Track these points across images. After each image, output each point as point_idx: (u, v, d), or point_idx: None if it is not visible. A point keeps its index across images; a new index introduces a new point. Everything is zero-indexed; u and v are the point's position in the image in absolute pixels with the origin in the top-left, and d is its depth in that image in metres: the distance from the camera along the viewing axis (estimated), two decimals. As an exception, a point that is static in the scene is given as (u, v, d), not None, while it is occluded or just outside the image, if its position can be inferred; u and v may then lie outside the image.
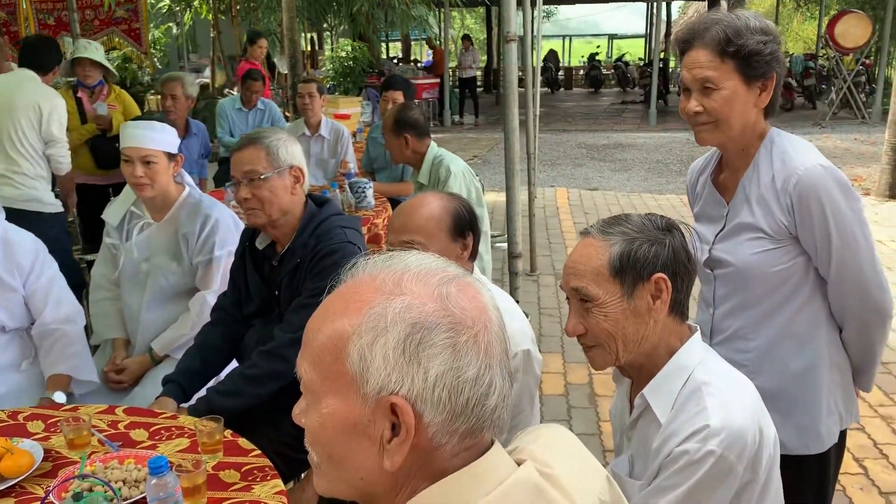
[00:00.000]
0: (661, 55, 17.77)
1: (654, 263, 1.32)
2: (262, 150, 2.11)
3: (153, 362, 2.61)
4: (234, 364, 2.31)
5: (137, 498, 1.52)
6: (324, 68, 14.41)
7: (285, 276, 2.17)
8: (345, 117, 9.31)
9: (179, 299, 2.66)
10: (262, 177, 2.08)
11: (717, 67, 1.58)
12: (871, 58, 15.37)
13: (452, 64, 18.45)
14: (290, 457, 2.05)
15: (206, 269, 2.60)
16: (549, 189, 8.71)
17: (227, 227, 2.64)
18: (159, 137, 2.55)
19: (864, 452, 3.24)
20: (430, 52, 20.36)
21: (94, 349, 2.79)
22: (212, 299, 2.58)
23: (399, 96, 4.59)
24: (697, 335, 1.38)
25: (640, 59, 25.48)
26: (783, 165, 1.62)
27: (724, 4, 15.20)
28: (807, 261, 1.63)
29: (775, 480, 1.34)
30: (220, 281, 2.61)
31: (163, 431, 1.85)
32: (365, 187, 4.11)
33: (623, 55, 24.63)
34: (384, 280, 0.80)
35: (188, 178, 2.73)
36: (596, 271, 1.31)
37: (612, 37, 36.09)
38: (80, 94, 4.66)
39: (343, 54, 13.94)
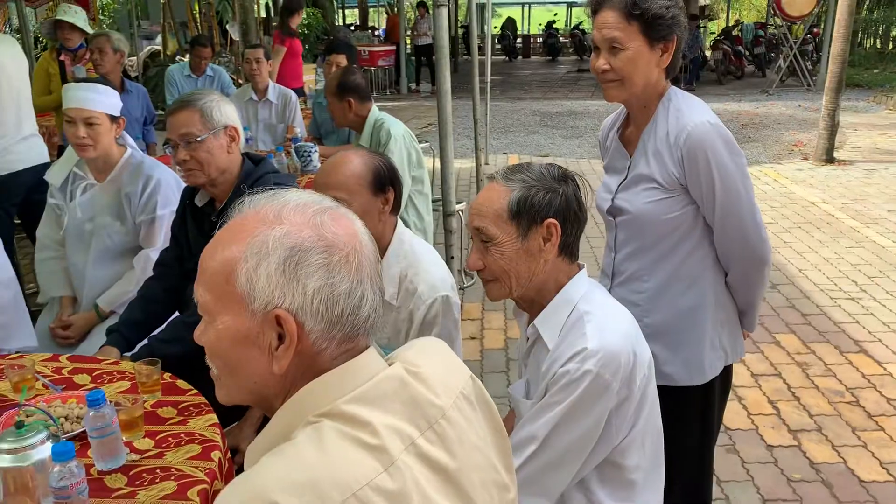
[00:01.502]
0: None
1: (547, 210, 1.46)
2: (196, 112, 2.20)
3: (99, 318, 2.71)
4: (175, 315, 2.42)
5: (78, 431, 1.64)
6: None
7: (223, 231, 2.28)
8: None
9: (123, 257, 2.75)
10: (198, 139, 2.18)
11: (624, 29, 1.72)
12: (821, 27, 15.72)
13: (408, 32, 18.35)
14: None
15: (149, 227, 2.69)
16: (502, 156, 8.85)
17: (168, 186, 2.73)
18: (102, 99, 2.62)
19: (779, 395, 3.49)
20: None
21: (41, 307, 2.88)
22: (155, 256, 2.67)
23: (343, 60, 4.66)
24: (583, 272, 1.54)
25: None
26: (676, 121, 1.78)
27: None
28: (695, 210, 1.80)
29: (650, 400, 1.51)
30: (162, 239, 2.71)
31: (105, 375, 1.97)
32: (310, 151, 4.20)
33: (580, 23, 24.73)
34: (266, 212, 0.94)
35: (130, 140, 2.80)
36: (496, 213, 1.46)
37: (570, 4, 36.07)
38: (62, 57, 4.70)
39: (297, 21, 13.78)
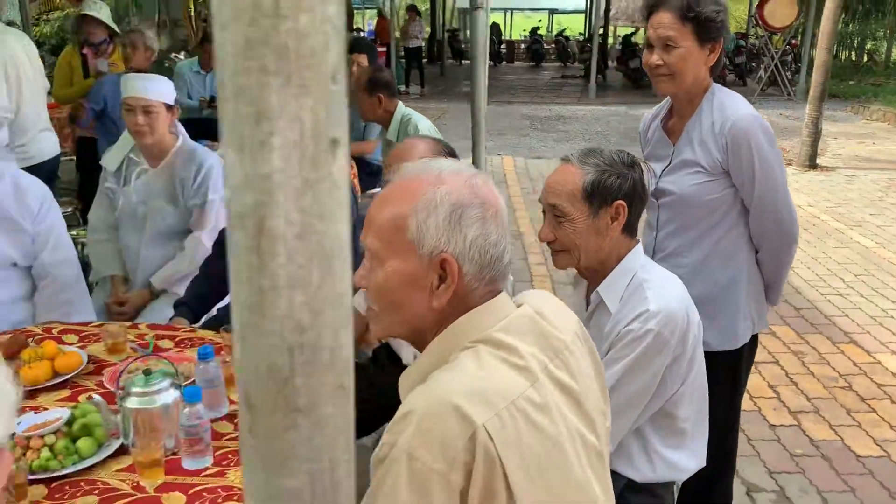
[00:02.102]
0: (601, 31, 18.30)
1: (617, 192, 1.66)
2: None
3: (152, 296, 2.86)
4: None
5: (188, 383, 1.80)
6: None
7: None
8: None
9: (175, 239, 2.90)
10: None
11: (679, 29, 1.93)
12: (798, 38, 16.19)
13: (397, 35, 18.55)
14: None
15: (200, 211, 2.85)
16: (497, 157, 9.06)
17: (218, 173, 2.89)
18: (159, 89, 2.78)
19: (778, 380, 3.73)
20: (371, 21, 20.35)
21: (93, 286, 3.02)
22: (205, 239, 2.84)
23: (363, 59, 4.84)
24: (640, 246, 1.74)
25: (580, 34, 25.97)
26: (721, 113, 2.00)
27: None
28: (734, 193, 2.02)
29: (698, 358, 1.72)
30: (213, 222, 2.87)
31: (186, 341, 2.13)
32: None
33: (563, 30, 25.12)
34: (428, 175, 1.12)
35: (181, 129, 2.96)
36: (571, 193, 1.65)
37: (552, 11, 36.54)
38: (85, 51, 4.82)
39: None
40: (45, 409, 1.74)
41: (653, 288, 1.64)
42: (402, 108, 3.78)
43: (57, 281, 2.59)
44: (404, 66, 15.53)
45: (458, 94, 14.82)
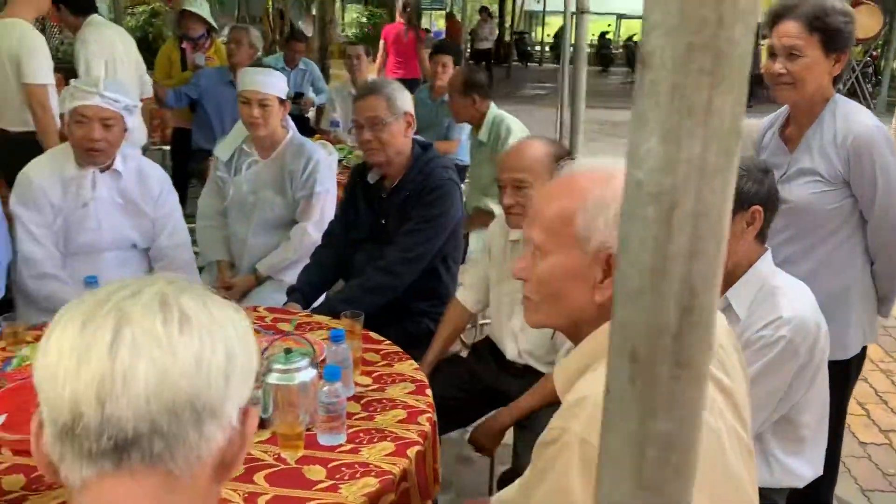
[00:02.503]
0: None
1: (753, 197, 1.68)
2: (383, 98, 2.46)
3: (257, 281, 2.99)
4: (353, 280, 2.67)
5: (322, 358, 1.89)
6: (343, 33, 14.65)
7: (394, 206, 2.54)
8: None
9: (281, 228, 3.02)
10: (384, 122, 2.44)
11: (805, 39, 1.95)
12: (878, 50, 15.69)
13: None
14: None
15: (306, 203, 2.96)
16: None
17: (325, 167, 3.00)
18: (274, 83, 2.90)
19: (867, 399, 3.66)
20: (436, 22, 20.52)
21: (200, 270, 3.17)
22: (311, 229, 2.95)
23: (449, 60, 4.93)
24: (769, 253, 1.76)
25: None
26: (844, 124, 2.00)
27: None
28: (853, 203, 2.01)
29: (823, 367, 1.73)
30: (318, 214, 2.98)
31: (304, 326, 2.23)
32: (420, 144, 4.45)
33: (632, 35, 24.86)
34: (598, 172, 1.17)
35: (291, 123, 3.08)
36: None
37: (620, 16, 36.18)
38: (184, 45, 5.04)
39: (364, 20, 14.20)
40: None
41: (786, 295, 1.66)
42: (494, 109, 3.84)
43: (173, 264, 2.73)
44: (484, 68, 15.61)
45: (524, 96, 14.82)
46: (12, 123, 3.53)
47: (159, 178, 2.74)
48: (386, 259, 2.47)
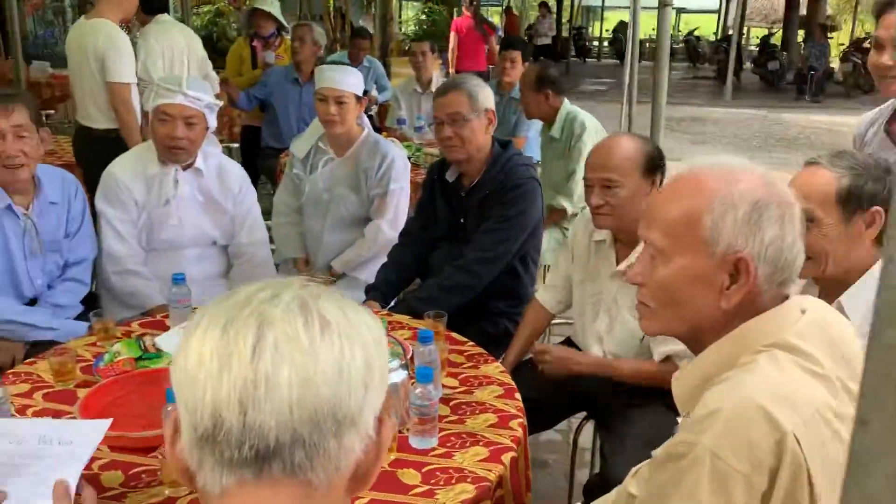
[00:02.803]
0: (738, 31, 17.59)
1: (874, 198, 1.58)
2: (465, 94, 2.42)
3: (332, 279, 2.99)
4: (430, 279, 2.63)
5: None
6: (402, 31, 14.69)
7: (473, 205, 2.50)
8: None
9: (355, 226, 3.01)
10: (465, 118, 2.40)
11: None
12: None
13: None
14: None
15: (381, 200, 2.94)
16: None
17: (400, 165, 2.97)
18: (351, 80, 2.89)
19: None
20: (491, 18, 20.41)
21: (276, 266, 3.18)
22: (385, 227, 2.94)
23: (518, 56, 4.87)
24: None
25: (714, 34, 25.12)
26: None
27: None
28: None
29: None
30: (392, 212, 2.96)
31: (389, 325, 2.21)
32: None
33: (694, 30, 24.31)
34: (721, 172, 1.11)
35: (367, 120, 3.07)
36: (823, 197, 1.58)
37: (679, 10, 35.40)
38: (254, 43, 5.10)
39: (423, 17, 14.21)
40: None
41: None
42: (567, 104, 3.77)
43: (252, 261, 2.74)
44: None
45: (584, 92, 14.62)
46: (97, 121, 3.62)
47: (239, 175, 2.75)
48: (465, 258, 2.43)
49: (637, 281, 1.17)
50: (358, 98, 2.92)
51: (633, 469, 1.53)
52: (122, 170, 2.56)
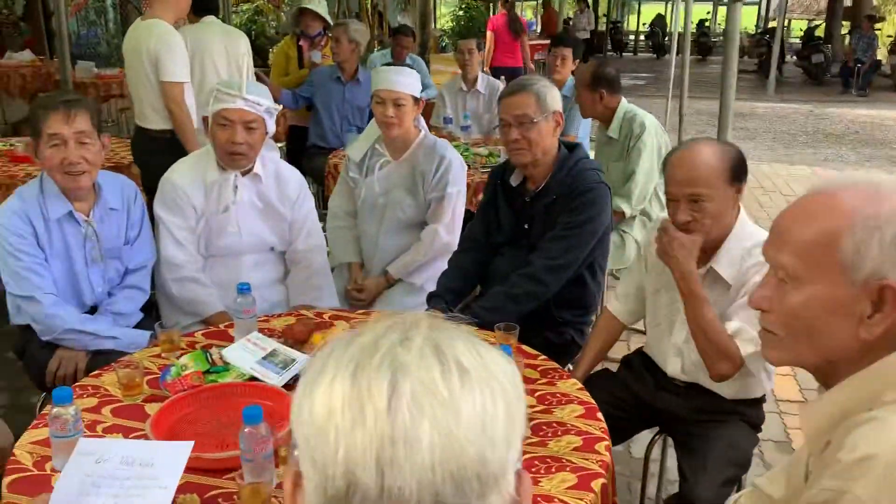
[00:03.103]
0: (781, 24, 17.20)
1: None
2: (532, 95, 2.34)
3: (388, 284, 2.92)
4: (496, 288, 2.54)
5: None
6: (438, 27, 14.60)
7: (539, 210, 2.41)
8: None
9: (411, 230, 2.94)
10: (533, 120, 2.32)
11: None
12: None
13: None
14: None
15: (438, 204, 2.87)
16: (675, 154, 8.71)
17: (458, 167, 2.90)
18: (409, 82, 2.82)
19: None
20: (525, 13, 20.22)
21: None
22: (442, 231, 2.86)
23: (568, 53, 4.77)
24: None
25: (756, 26, 24.63)
26: None
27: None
28: None
29: None
30: (450, 215, 2.89)
31: (453, 336, 2.13)
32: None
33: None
34: (863, 189, 1.01)
35: (423, 122, 3.00)
36: None
37: (717, 2, 34.75)
38: (301, 42, 5.07)
39: (461, 13, 14.12)
40: None
41: None
42: (624, 104, 3.66)
43: (310, 267, 2.69)
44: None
45: (623, 87, 14.38)
46: (153, 122, 3.62)
47: (297, 181, 2.70)
48: (532, 266, 2.34)
49: (763, 307, 1.07)
50: (415, 99, 2.85)
51: (732, 499, 1.45)
52: (180, 176, 2.52)
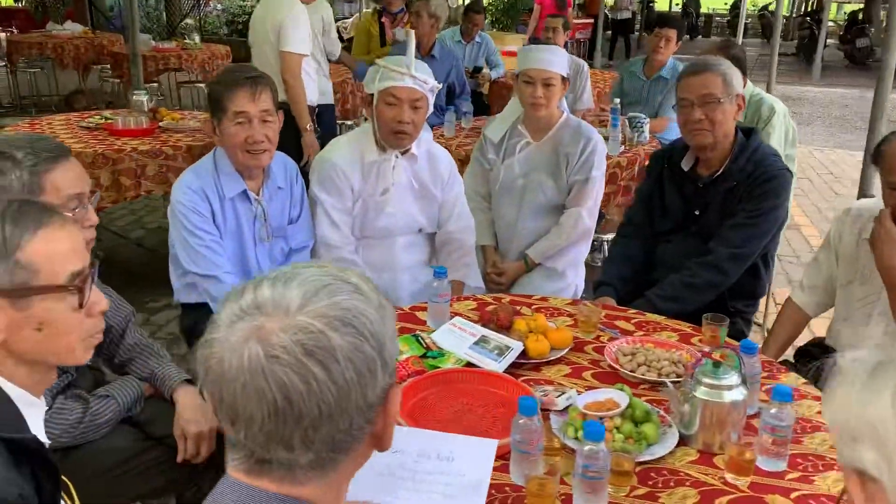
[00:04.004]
0: (821, 6, 16.90)
1: None
2: (719, 76, 2.26)
3: (527, 268, 2.87)
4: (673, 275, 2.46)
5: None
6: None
7: (716, 196, 2.34)
8: (512, 54, 9.43)
9: (551, 213, 2.88)
10: (719, 100, 2.25)
11: None
12: None
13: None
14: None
15: (582, 187, 2.80)
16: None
17: (602, 150, 2.83)
18: (559, 61, 2.75)
19: None
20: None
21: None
22: (585, 215, 2.80)
23: (673, 34, 4.66)
24: None
25: (789, 9, 24.22)
26: None
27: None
28: None
29: None
30: (593, 199, 2.82)
31: (644, 324, 2.09)
32: (643, 122, 4.24)
33: (768, 4, 23.47)
34: None
35: (564, 103, 2.93)
36: None
37: (748, -17, 34.21)
38: (383, 19, 4.97)
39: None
40: (592, 387, 1.73)
41: None
42: (751, 86, 3.57)
43: (462, 247, 2.65)
44: (610, 38, 15.09)
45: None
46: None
47: (447, 161, 2.64)
48: (713, 255, 2.28)
49: None
50: (563, 79, 2.78)
51: None
52: (340, 156, 2.46)
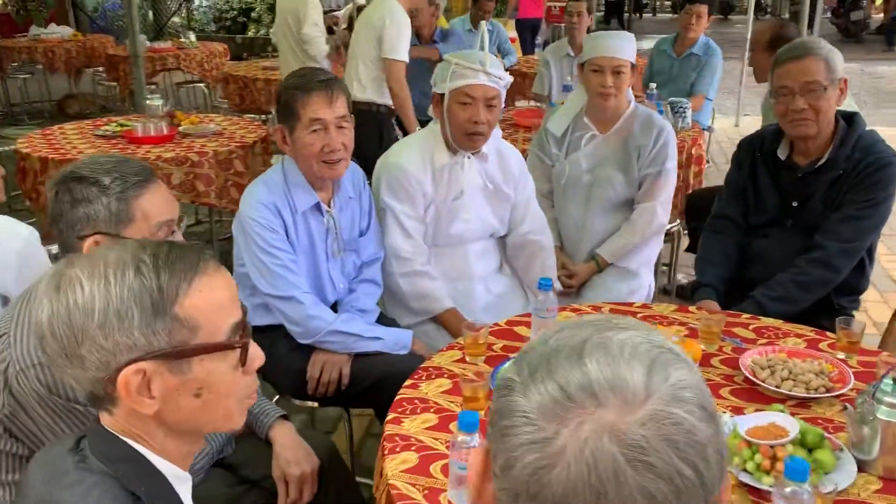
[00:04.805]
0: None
1: None
2: (822, 61, 2.11)
3: (598, 269, 2.71)
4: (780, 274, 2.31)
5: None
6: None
7: (820, 187, 2.18)
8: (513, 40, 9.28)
9: (620, 210, 2.72)
10: (824, 88, 2.09)
11: None
12: None
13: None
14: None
15: (655, 180, 2.64)
16: (745, 118, 8.45)
17: (673, 141, 2.67)
18: (628, 48, 2.58)
19: None
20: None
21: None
22: (660, 210, 2.65)
23: (704, 11, 4.53)
24: None
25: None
26: None
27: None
28: None
29: None
30: (667, 192, 2.67)
31: (763, 330, 1.93)
32: (685, 107, 4.08)
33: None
34: None
35: (630, 92, 2.76)
36: None
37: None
38: None
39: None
40: (735, 407, 1.58)
41: None
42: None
43: (543, 249, 2.50)
44: (602, 19, 14.94)
45: (647, 51, 14.04)
46: (354, 92, 3.69)
47: (518, 159, 2.48)
48: (824, 250, 2.13)
49: None
50: (632, 66, 2.61)
51: None
52: (409, 161, 2.28)
